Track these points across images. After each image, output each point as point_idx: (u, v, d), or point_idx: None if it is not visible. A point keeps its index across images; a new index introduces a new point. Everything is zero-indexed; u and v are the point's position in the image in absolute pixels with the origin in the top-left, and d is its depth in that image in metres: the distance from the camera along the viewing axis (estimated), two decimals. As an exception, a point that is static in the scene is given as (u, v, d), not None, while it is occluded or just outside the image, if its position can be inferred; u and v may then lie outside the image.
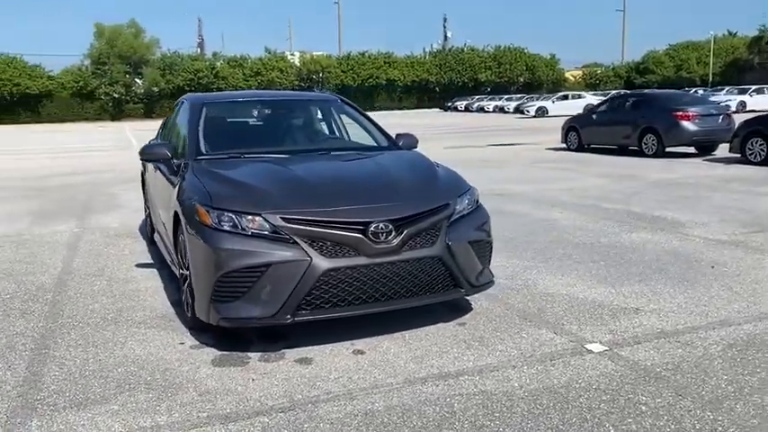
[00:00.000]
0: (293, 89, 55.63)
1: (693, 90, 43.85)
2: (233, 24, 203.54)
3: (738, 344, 3.93)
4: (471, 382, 3.50)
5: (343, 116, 6.19)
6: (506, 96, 55.63)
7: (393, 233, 3.91)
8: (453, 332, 4.26)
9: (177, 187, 4.59)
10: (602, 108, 17.61)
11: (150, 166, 6.24)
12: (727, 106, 20.93)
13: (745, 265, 5.70)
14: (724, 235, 6.87)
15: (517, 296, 4.99)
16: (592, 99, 39.38)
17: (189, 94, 6.71)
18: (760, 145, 13.00)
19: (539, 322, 4.41)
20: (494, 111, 52.04)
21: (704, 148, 15.40)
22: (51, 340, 4.28)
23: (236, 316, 3.86)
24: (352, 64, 65.24)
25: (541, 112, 41.75)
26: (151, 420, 3.16)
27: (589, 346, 3.96)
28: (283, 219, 3.84)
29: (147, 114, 57.57)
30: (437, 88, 67.76)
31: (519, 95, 55.56)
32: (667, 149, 14.99)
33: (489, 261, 4.56)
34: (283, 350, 4.00)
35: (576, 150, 17.26)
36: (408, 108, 64.59)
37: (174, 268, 4.97)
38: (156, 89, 58.74)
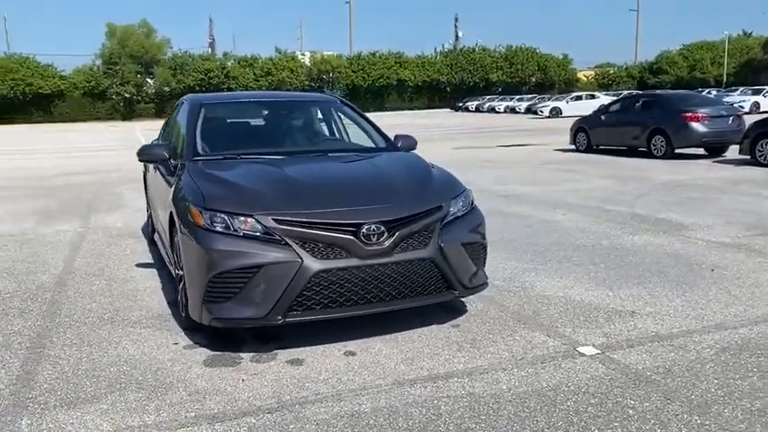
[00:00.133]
0: (303, 89, 55.86)
1: (706, 91, 43.52)
2: (244, 24, 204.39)
3: (732, 348, 3.90)
4: (460, 384, 3.50)
5: (343, 117, 6.19)
6: (517, 97, 55.42)
7: (385, 235, 3.91)
8: (446, 334, 4.25)
9: (173, 188, 4.62)
10: (611, 109, 17.51)
11: (151, 166, 6.28)
12: (740, 107, 20.78)
13: (745, 268, 5.65)
14: (727, 238, 6.81)
15: (513, 298, 4.98)
16: (606, 99, 39.04)
17: (189, 94, 6.74)
18: (770, 146, 12.88)
19: (533, 325, 4.40)
20: (505, 111, 51.88)
21: (714, 149, 15.28)
22: (47, 339, 4.32)
23: (227, 316, 3.88)
24: (362, 64, 65.28)
25: (555, 113, 41.49)
26: (139, 420, 3.18)
27: (581, 349, 3.94)
28: (275, 220, 3.85)
29: (158, 114, 57.89)
30: (448, 88, 67.69)
31: (530, 96, 55.35)
32: (677, 151, 14.88)
33: (484, 263, 4.54)
34: (275, 351, 4.01)
35: (585, 151, 17.17)
36: (419, 108, 64.58)
37: (171, 268, 5.00)
38: (167, 89, 59.10)
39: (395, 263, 3.94)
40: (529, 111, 47.78)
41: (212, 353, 4.02)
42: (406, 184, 4.44)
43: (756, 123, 13.51)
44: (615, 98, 22.66)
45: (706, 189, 10.29)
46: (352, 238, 3.85)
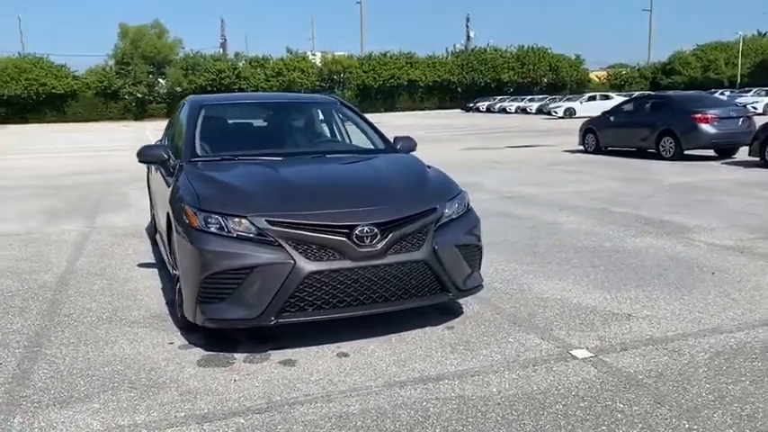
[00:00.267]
0: (314, 90, 55.97)
1: (719, 92, 43.17)
2: (256, 25, 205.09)
3: (726, 352, 3.88)
4: (450, 386, 3.50)
5: (343, 119, 6.20)
6: (529, 97, 55.19)
7: (378, 237, 3.91)
8: (440, 336, 4.26)
9: (171, 188, 4.65)
10: (620, 110, 17.42)
11: (152, 167, 6.32)
12: (753, 108, 20.58)
13: (747, 271, 5.61)
14: (730, 240, 6.76)
15: (510, 300, 4.97)
16: (620, 100, 38.81)
17: (191, 95, 6.79)
18: (779, 148, 12.77)
19: (528, 327, 4.39)
20: (516, 112, 51.71)
21: (724, 150, 15.16)
22: (45, 338, 4.37)
23: (221, 317, 3.90)
24: (373, 64, 65.30)
25: (569, 114, 41.21)
26: (129, 419, 3.21)
27: (574, 352, 3.93)
28: (268, 221, 3.87)
29: (170, 114, 57.55)
30: (459, 89, 67.55)
31: (542, 96, 55.12)
32: (686, 152, 14.78)
33: (479, 265, 4.54)
34: (269, 351, 4.03)
35: (594, 153, 17.09)
36: (430, 109, 64.53)
37: (170, 268, 5.04)
38: (178, 89, 59.38)
39: (388, 265, 3.95)
40: (540, 111, 47.55)
41: (207, 353, 4.05)
42: (401, 185, 4.44)
43: (766, 125, 13.39)
44: (626, 99, 22.49)
45: (713, 191, 10.21)
46: (344, 239, 3.86)
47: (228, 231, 3.90)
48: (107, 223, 8.65)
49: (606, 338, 4.15)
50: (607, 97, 44.06)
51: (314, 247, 3.86)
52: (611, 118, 17.10)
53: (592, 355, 3.89)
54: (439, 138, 25.75)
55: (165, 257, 5.38)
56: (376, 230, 3.91)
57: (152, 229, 7.14)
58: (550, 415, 3.16)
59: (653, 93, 25.97)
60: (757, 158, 13.29)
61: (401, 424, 3.10)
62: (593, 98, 44.50)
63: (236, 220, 3.92)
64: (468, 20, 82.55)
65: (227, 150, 5.12)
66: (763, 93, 39.76)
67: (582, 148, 17.69)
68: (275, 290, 3.79)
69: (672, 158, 14.74)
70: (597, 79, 73.38)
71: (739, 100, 34.46)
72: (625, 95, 42.43)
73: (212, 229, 3.93)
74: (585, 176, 12.48)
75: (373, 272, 3.92)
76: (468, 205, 4.59)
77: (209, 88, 57.54)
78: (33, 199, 11.02)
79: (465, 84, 67.53)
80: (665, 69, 70.31)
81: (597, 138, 17.14)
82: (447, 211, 4.30)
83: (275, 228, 3.85)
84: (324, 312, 3.92)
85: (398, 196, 4.25)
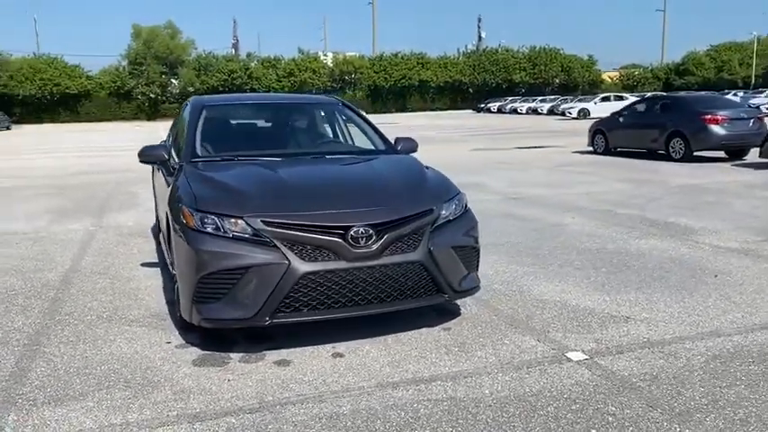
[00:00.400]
0: (325, 90, 56.10)
1: (732, 93, 42.84)
2: (268, 25, 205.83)
3: (723, 355, 3.85)
4: (442, 387, 3.50)
5: (345, 120, 6.21)
6: (540, 98, 55.00)
7: (373, 238, 3.92)
8: (436, 337, 4.25)
9: (170, 189, 4.69)
10: (630, 111, 17.32)
11: (156, 166, 6.36)
12: (766, 109, 20.37)
13: (749, 274, 5.56)
14: (735, 243, 6.71)
15: (508, 302, 4.95)
16: (633, 101, 38.51)
17: (194, 96, 6.83)
18: (790, 150, 12.65)
19: (524, 329, 4.38)
20: (527, 113, 51.54)
21: (734, 152, 15.05)
22: (45, 336, 4.41)
23: (216, 317, 3.93)
24: (384, 65, 65.34)
25: (583, 114, 40.95)
26: (122, 418, 3.23)
27: (570, 355, 3.91)
28: (264, 222, 3.88)
29: (183, 114, 58.49)
30: (470, 89, 67.45)
31: (553, 97, 54.90)
32: (695, 153, 14.67)
33: (477, 266, 4.53)
34: (264, 351, 4.04)
35: (603, 154, 17.00)
36: (441, 109, 64.48)
37: (170, 268, 5.07)
38: (191, 89, 59.65)
39: (383, 266, 3.95)
40: (551, 112, 47.37)
41: (203, 352, 4.07)
42: (398, 187, 4.44)
43: (777, 126, 13.28)
44: (636, 100, 22.35)
45: (721, 193, 10.13)
46: (339, 240, 3.87)
47: (224, 232, 3.92)
48: (114, 222, 8.72)
49: (602, 341, 4.13)
50: (621, 98, 43.74)
51: (309, 247, 3.87)
52: (621, 119, 17.00)
53: (587, 357, 3.87)
54: (450, 138, 25.75)
55: (167, 257, 5.42)
56: (371, 231, 3.91)
57: (157, 229, 7.18)
58: (541, 417, 3.15)
59: (662, 93, 25.77)
60: (767, 160, 13.18)
61: (391, 425, 3.11)
62: (606, 99, 44.21)
63: (233, 220, 3.94)
64: (479, 20, 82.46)
65: (227, 151, 5.15)
66: (777, 93, 39.42)
67: (591, 149, 17.61)
68: (270, 290, 3.80)
69: (681, 160, 14.63)
70: (610, 80, 73.01)
71: (753, 101, 34.25)
72: (638, 96, 42.22)
73: (208, 230, 3.95)
74: (593, 178, 12.43)
75: (368, 273, 3.93)
76: (466, 206, 4.58)
77: (221, 88, 57.85)
78: (43, 198, 11.13)
79: (476, 84, 67.41)
80: (678, 70, 69.89)
81: (606, 139, 17.06)
82: (444, 212, 4.30)
83: (271, 228, 3.87)
84: (319, 313, 3.93)
85: (395, 197, 4.25)
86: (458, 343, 4.15)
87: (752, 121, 14.86)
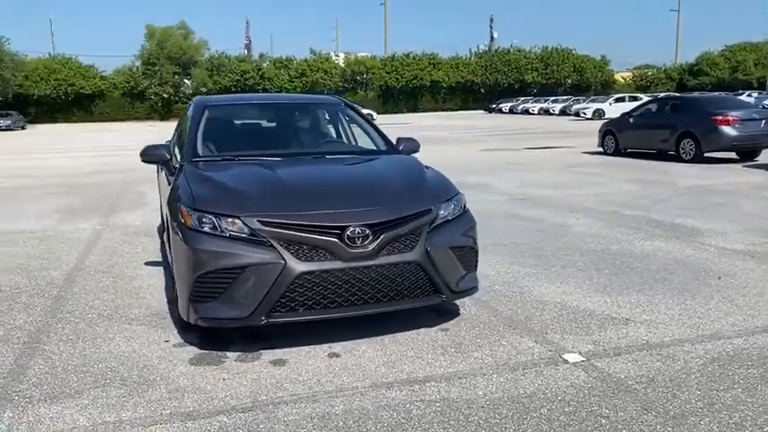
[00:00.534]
0: (337, 90, 56.19)
1: (747, 93, 42.43)
2: (281, 26, 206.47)
3: (722, 358, 3.81)
4: (436, 388, 3.49)
5: (348, 120, 6.21)
6: (552, 98, 54.76)
7: (370, 238, 3.92)
8: (433, 337, 4.24)
9: (170, 188, 4.71)
10: (640, 112, 17.20)
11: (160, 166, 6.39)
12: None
13: (754, 276, 5.51)
14: (741, 245, 6.64)
15: (508, 303, 4.93)
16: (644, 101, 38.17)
17: (198, 96, 6.86)
18: (802, 151, 12.51)
19: (522, 330, 4.36)
20: (539, 113, 51.34)
21: (745, 153, 14.92)
22: (45, 334, 4.44)
23: (212, 316, 3.94)
24: (396, 65, 65.35)
25: (598, 115, 40.62)
26: (116, 416, 3.25)
27: (566, 356, 3.89)
28: (260, 221, 3.89)
29: (195, 114, 58.71)
30: (482, 89, 67.31)
31: (565, 97, 54.64)
32: (706, 155, 14.54)
33: (475, 267, 4.51)
34: (261, 351, 4.05)
35: (613, 155, 16.89)
36: (452, 110, 64.39)
37: (172, 267, 5.09)
38: (203, 89, 60.00)
39: (379, 266, 3.95)
40: (564, 113, 47.13)
41: (200, 351, 4.08)
42: (396, 187, 4.44)
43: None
44: (646, 100, 22.20)
45: (730, 194, 10.04)
46: (336, 240, 3.87)
47: (222, 231, 3.93)
48: (121, 222, 8.78)
49: (600, 343, 4.10)
50: (635, 98, 43.37)
51: (305, 247, 3.87)
52: (631, 119, 16.89)
53: (583, 359, 3.85)
54: (462, 138, 25.72)
55: (169, 256, 5.44)
56: (368, 231, 3.91)
57: (161, 228, 7.22)
58: (533, 419, 3.13)
59: (674, 94, 25.55)
60: (779, 161, 13.06)
61: (382, 425, 3.10)
62: (621, 99, 43.89)
63: (230, 220, 3.95)
64: (491, 21, 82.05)
65: (229, 151, 5.17)
66: (793, 94, 38.99)
67: (601, 149, 17.50)
68: (266, 290, 3.81)
69: (692, 161, 14.51)
70: (623, 80, 72.56)
71: (767, 102, 33.91)
72: (651, 97, 41.88)
73: (206, 229, 3.97)
74: (601, 179, 12.35)
75: (364, 273, 3.92)
76: (465, 207, 4.56)
77: (233, 89, 58.13)
78: (53, 197, 11.22)
79: (488, 85, 67.25)
80: (692, 70, 69.33)
81: (617, 139, 16.94)
82: (442, 212, 4.28)
83: (267, 228, 3.87)
84: (315, 313, 3.93)
85: (392, 197, 4.25)
86: (455, 344, 4.13)
87: (764, 121, 14.70)
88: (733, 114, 14.43)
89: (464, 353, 3.98)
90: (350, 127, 6.21)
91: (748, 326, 4.35)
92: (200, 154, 5.08)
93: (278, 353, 4.02)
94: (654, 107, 17.02)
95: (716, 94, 22.25)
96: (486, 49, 74.54)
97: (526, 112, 52.98)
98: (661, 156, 15.75)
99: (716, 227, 7.53)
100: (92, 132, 38.66)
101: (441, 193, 4.47)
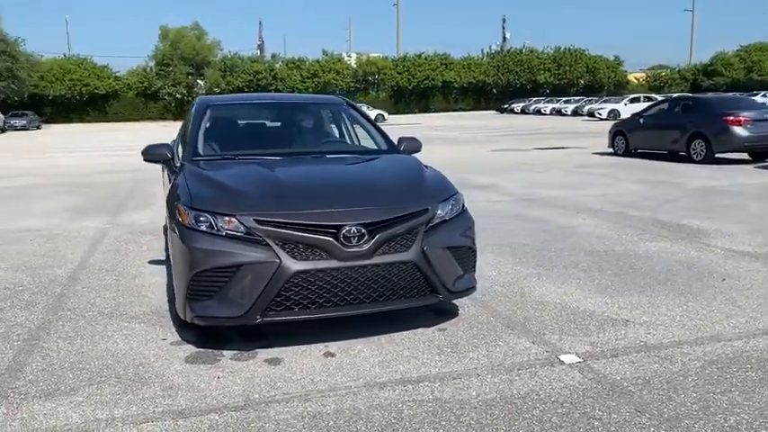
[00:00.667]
0: (348, 91, 56.27)
1: (762, 94, 41.99)
2: (294, 27, 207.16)
3: (721, 360, 3.77)
4: (429, 388, 3.48)
5: (351, 120, 6.20)
6: (564, 99, 54.49)
7: (365, 237, 3.91)
8: (430, 337, 4.23)
9: (170, 187, 4.73)
10: (650, 112, 17.08)
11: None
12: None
13: (759, 278, 5.44)
14: (748, 246, 6.57)
15: (508, 303, 4.91)
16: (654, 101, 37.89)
17: (201, 95, 6.89)
18: (814, 152, 12.36)
19: (520, 331, 4.33)
20: (551, 113, 51.10)
21: (758, 154, 14.77)
22: (44, 332, 4.47)
23: (208, 315, 3.94)
24: (407, 65, 65.30)
25: (613, 115, 40.34)
26: (108, 413, 3.26)
27: (563, 357, 3.86)
28: (256, 220, 3.89)
29: (208, 114, 58.98)
30: (494, 90, 67.14)
31: (578, 98, 54.36)
32: (717, 155, 14.41)
33: (473, 267, 4.49)
34: (257, 350, 4.05)
35: (623, 155, 16.79)
36: (464, 110, 64.25)
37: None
38: (216, 90, 60.27)
39: (375, 265, 3.94)
40: (576, 113, 46.88)
41: (197, 350, 4.09)
42: (394, 186, 4.43)
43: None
44: (657, 100, 22.02)
45: (739, 195, 9.94)
46: (331, 239, 3.86)
47: (218, 230, 3.94)
48: (128, 221, 8.83)
49: (598, 344, 4.07)
50: (650, 99, 43.07)
51: (301, 246, 3.87)
52: (641, 120, 16.77)
53: (580, 360, 3.82)
54: (473, 139, 25.67)
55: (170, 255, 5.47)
56: (363, 231, 3.90)
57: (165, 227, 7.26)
58: (525, 420, 3.11)
59: (686, 94, 25.33)
60: (791, 162, 12.91)
61: (373, 425, 3.09)
62: (636, 100, 43.59)
63: (226, 218, 3.95)
64: (504, 21, 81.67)
65: (229, 150, 5.18)
66: (808, 95, 38.51)
67: (612, 150, 17.39)
68: (261, 288, 3.81)
69: (702, 162, 14.39)
70: (636, 81, 72.07)
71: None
72: (665, 97, 41.51)
73: (202, 228, 3.98)
74: (609, 179, 12.27)
75: (360, 272, 3.91)
76: (464, 206, 4.54)
77: (245, 89, 58.38)
78: (62, 196, 11.32)
79: (500, 85, 67.06)
80: (706, 71, 68.74)
81: (627, 140, 16.84)
82: (440, 212, 4.26)
83: (263, 227, 3.88)
84: (310, 312, 3.93)
85: (389, 197, 4.24)
86: (451, 344, 4.12)
87: (776, 122, 14.54)
88: (745, 115, 14.29)
89: (460, 353, 3.96)
90: (352, 127, 6.20)
91: (749, 328, 4.30)
92: (201, 153, 5.10)
93: (274, 352, 4.02)
94: (664, 107, 16.90)
95: (728, 94, 22.01)
96: (499, 49, 74.28)
97: (538, 112, 52.75)
98: (672, 157, 15.62)
99: (723, 228, 7.45)
100: (105, 132, 38.96)
101: (438, 193, 4.45)
